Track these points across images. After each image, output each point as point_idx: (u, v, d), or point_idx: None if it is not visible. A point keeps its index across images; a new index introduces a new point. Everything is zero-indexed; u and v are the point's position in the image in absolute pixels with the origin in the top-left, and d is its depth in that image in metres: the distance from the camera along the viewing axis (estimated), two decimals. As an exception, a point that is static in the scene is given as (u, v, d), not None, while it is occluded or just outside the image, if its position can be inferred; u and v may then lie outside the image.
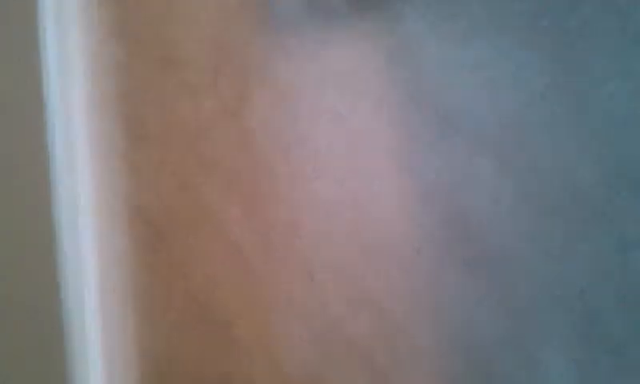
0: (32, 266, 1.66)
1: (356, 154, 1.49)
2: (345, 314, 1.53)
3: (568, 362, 1.32)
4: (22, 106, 1.74)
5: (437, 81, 1.41)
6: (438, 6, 1.42)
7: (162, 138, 1.75)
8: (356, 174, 1.49)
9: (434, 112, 1.41)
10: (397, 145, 1.45)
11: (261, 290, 1.61)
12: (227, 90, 1.66)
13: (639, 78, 1.26)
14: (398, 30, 1.45)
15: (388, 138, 1.46)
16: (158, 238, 1.75)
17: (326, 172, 1.53)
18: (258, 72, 1.62)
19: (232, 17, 1.67)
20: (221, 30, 1.68)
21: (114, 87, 1.84)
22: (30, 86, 1.78)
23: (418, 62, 1.43)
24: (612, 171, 1.28)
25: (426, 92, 1.42)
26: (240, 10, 1.65)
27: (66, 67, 1.84)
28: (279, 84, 1.59)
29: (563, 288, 1.33)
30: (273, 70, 1.60)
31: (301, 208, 1.55)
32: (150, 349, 1.76)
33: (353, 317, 1.52)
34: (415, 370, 1.47)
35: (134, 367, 1.79)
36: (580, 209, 1.30)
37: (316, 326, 1.56)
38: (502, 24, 1.36)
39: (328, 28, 1.53)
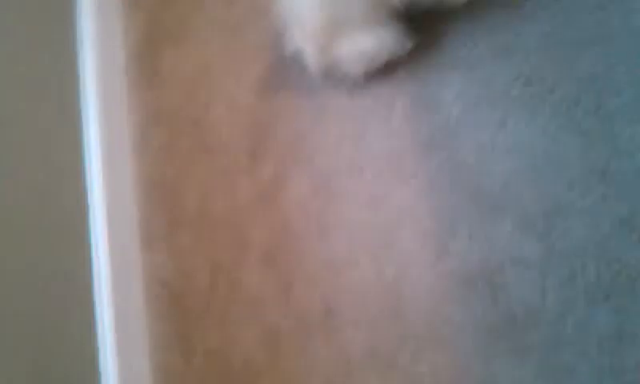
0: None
1: (393, 238, 1.47)
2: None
3: None
4: (63, 187, 1.78)
5: (476, 163, 1.40)
6: (476, 90, 1.42)
7: (199, 221, 1.76)
8: (393, 258, 1.46)
9: (474, 194, 1.39)
10: (436, 228, 1.43)
11: (297, 376, 1.56)
12: (264, 172, 1.67)
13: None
14: (436, 113, 1.45)
15: (426, 222, 1.44)
16: (193, 322, 1.74)
17: (362, 256, 1.50)
18: (294, 154, 1.63)
19: (268, 99, 1.70)
20: (257, 113, 1.71)
21: (154, 171, 1.87)
22: (72, 171, 1.82)
23: (457, 144, 1.42)
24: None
25: (465, 174, 1.40)
26: (276, 92, 1.69)
27: (109, 151, 1.89)
28: (315, 166, 1.60)
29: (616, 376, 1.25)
30: (309, 152, 1.61)
31: (338, 293, 1.52)
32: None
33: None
34: None
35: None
36: (630, 293, 1.24)
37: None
38: (541, 106, 1.35)
39: (365, 111, 1.55)
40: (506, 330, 1.32)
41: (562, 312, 1.28)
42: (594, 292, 1.25)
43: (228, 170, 1.73)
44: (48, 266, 1.66)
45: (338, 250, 1.53)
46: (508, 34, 1.41)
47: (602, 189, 1.27)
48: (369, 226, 1.50)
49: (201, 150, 1.79)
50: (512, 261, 1.33)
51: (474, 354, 1.35)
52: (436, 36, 1.48)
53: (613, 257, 1.24)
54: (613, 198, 1.26)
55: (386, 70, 1.50)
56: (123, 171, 1.93)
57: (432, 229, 1.42)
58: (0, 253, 1.52)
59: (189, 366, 1.72)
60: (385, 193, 1.49)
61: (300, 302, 1.57)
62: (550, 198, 1.31)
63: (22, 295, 1.56)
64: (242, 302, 1.65)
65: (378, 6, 1.35)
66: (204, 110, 1.80)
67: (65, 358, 1.65)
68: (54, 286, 1.66)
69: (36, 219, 1.66)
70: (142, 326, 1.83)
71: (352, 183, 1.53)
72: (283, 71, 1.66)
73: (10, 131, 1.65)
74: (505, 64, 1.40)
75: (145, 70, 1.98)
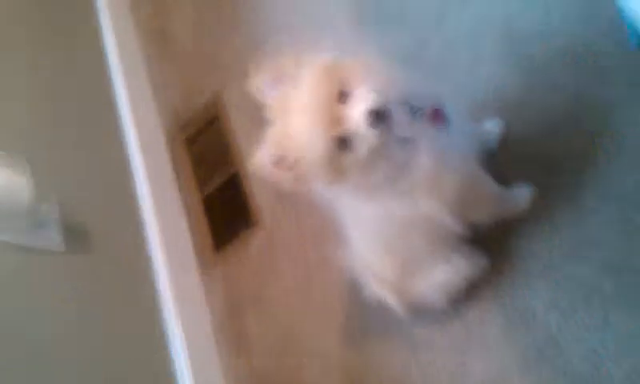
0: None
1: None
2: None
3: None
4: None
5: (592, 369, 1.31)
6: (567, 293, 1.36)
7: None
8: None
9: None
10: None
11: None
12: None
13: None
14: (533, 327, 1.40)
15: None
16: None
17: None
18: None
19: (358, 347, 1.68)
20: (350, 363, 1.68)
21: None
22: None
23: (567, 355, 1.34)
24: None
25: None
26: (365, 337, 1.67)
27: None
28: None
29: None
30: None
31: None
32: None
33: None
34: None
35: None
36: None
37: None
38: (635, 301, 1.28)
39: (460, 339, 1.50)
40: None
41: None
42: None
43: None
44: None
45: None
46: (581, 229, 1.39)
47: None
48: None
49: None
50: None
51: None
52: (509, 247, 1.46)
53: None
54: None
55: (470, 293, 1.47)
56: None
57: None
58: None
59: None
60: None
61: None
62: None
63: None
64: None
65: (442, 237, 1.35)
66: (298, 368, 1.79)
67: None
68: None
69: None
70: None
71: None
72: (368, 315, 1.65)
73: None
74: (588, 261, 1.36)
75: (233, 335, 2.01)
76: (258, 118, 1.98)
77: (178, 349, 1.97)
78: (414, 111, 1.12)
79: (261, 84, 1.12)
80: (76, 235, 1.92)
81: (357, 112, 1.04)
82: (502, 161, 1.51)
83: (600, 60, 1.45)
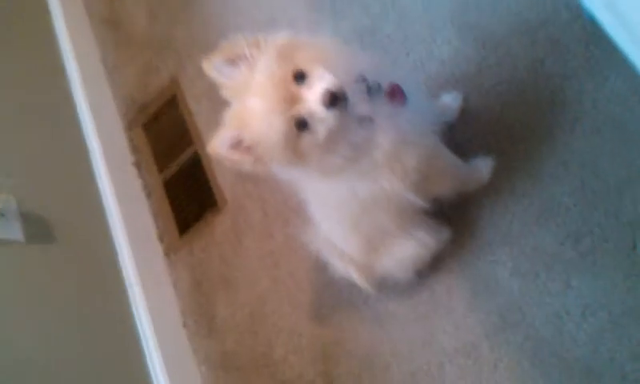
0: None
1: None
2: None
3: None
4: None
5: (557, 334, 1.35)
6: (529, 261, 1.40)
7: None
8: None
9: (564, 368, 1.33)
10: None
11: None
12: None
13: None
14: (498, 294, 1.43)
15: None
16: None
17: None
18: (369, 370, 1.60)
19: (329, 321, 1.69)
20: (322, 337, 1.70)
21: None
22: None
23: (530, 320, 1.38)
24: None
25: (549, 348, 1.35)
26: (335, 312, 1.68)
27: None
28: (394, 374, 1.56)
29: None
30: (384, 364, 1.57)
31: None
32: None
33: None
34: None
35: None
36: None
37: None
38: (600, 259, 1.32)
39: (427, 310, 1.52)
40: None
41: None
42: None
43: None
44: None
45: None
46: (541, 197, 1.42)
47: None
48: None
49: (277, 386, 1.77)
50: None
51: None
52: (472, 218, 1.49)
53: None
54: None
55: (435, 265, 1.49)
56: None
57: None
58: None
59: None
60: (475, 389, 1.43)
61: None
62: (644, 348, 1.25)
63: None
64: None
65: (405, 213, 1.36)
66: (269, 347, 1.80)
67: None
68: None
69: None
70: None
71: (438, 388, 1.48)
72: (335, 291, 1.67)
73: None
74: (549, 227, 1.39)
75: (201, 318, 2.01)
76: (217, 99, 1.97)
77: (147, 333, 1.96)
78: (371, 89, 1.12)
79: (217, 65, 1.10)
80: (36, 225, 1.89)
81: (314, 93, 1.04)
82: (461, 133, 1.53)
83: (555, 31, 1.47)
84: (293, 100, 1.05)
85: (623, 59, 0.87)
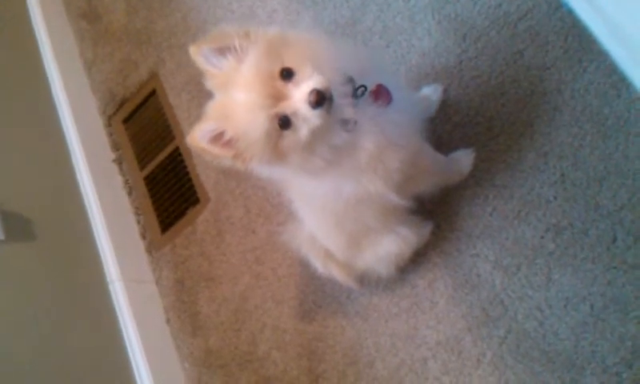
0: None
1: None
2: None
3: None
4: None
5: (539, 327, 1.35)
6: (511, 254, 1.40)
7: None
8: None
9: (547, 361, 1.33)
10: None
11: None
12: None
13: None
14: (480, 287, 1.43)
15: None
16: None
17: None
18: (353, 366, 1.59)
19: (312, 317, 1.69)
20: (306, 333, 1.69)
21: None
22: None
23: (512, 313, 1.38)
24: None
25: (532, 342, 1.35)
26: (318, 308, 1.68)
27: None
28: (377, 370, 1.55)
29: None
30: (367, 359, 1.57)
31: None
32: None
33: None
34: None
35: None
36: None
37: None
38: (581, 251, 1.32)
39: (409, 304, 1.52)
40: None
41: None
42: None
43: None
44: None
45: None
46: (521, 189, 1.41)
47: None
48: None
49: (260, 383, 1.76)
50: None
51: None
52: (453, 212, 1.48)
53: None
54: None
55: (417, 260, 1.49)
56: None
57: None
58: None
59: None
60: (458, 382, 1.43)
61: None
62: (625, 340, 1.25)
63: None
64: None
65: (388, 211, 1.35)
66: (253, 343, 1.79)
67: None
68: None
69: None
70: None
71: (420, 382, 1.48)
72: (318, 286, 1.66)
73: None
74: (529, 220, 1.39)
75: (184, 314, 2.00)
76: (197, 93, 1.95)
77: (130, 331, 1.95)
78: (357, 90, 1.10)
79: (205, 52, 1.07)
80: (16, 224, 1.87)
81: (300, 92, 1.02)
82: (441, 126, 1.53)
83: (534, 23, 1.46)
84: (278, 97, 1.03)
85: (602, 51, 0.86)
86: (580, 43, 1.39)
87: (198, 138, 1.06)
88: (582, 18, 0.89)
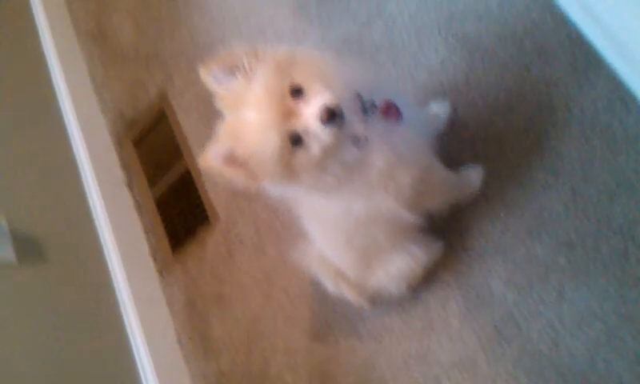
0: None
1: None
2: None
3: None
4: None
5: (553, 346, 1.33)
6: (523, 271, 1.38)
7: None
8: None
9: (562, 380, 1.31)
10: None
11: None
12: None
13: None
14: (493, 305, 1.42)
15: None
16: None
17: None
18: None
19: (323, 337, 1.68)
20: (317, 353, 1.68)
21: None
22: None
23: (525, 331, 1.37)
24: None
25: (546, 360, 1.33)
26: (329, 328, 1.67)
27: None
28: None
29: None
30: (379, 381, 1.56)
31: None
32: None
33: None
34: None
35: None
36: None
37: None
38: (593, 268, 1.31)
39: (422, 323, 1.51)
40: None
41: None
42: None
43: None
44: None
45: None
46: (532, 206, 1.40)
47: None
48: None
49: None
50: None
51: None
52: (464, 230, 1.47)
53: None
54: None
55: (429, 278, 1.48)
56: None
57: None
58: None
59: None
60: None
61: None
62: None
63: None
64: None
65: (397, 229, 1.34)
66: (264, 365, 1.78)
67: None
68: None
69: None
70: None
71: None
72: (330, 307, 1.66)
73: None
74: (541, 237, 1.38)
75: (196, 336, 1.99)
76: (205, 112, 1.95)
77: (141, 352, 1.95)
78: (367, 108, 1.10)
79: (214, 72, 1.07)
80: (28, 247, 1.88)
81: (311, 109, 1.02)
82: (450, 143, 1.52)
83: (541, 38, 1.45)
84: (288, 114, 1.03)
85: (608, 66, 0.86)
86: (587, 58, 1.38)
87: (210, 159, 1.06)
88: (587, 34, 0.88)
